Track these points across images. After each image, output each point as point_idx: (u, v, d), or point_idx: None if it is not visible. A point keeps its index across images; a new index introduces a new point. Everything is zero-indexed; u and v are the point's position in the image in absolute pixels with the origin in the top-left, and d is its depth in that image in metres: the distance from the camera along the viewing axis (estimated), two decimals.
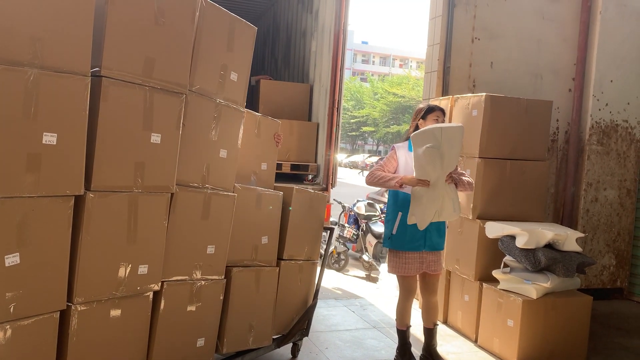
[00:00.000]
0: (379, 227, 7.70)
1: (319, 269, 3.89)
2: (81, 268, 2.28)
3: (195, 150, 2.78)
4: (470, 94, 4.44)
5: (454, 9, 5.10)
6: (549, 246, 3.91)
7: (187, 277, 2.80)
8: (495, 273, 4.00)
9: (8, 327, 2.05)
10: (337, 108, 5.71)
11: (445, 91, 5.11)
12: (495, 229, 4.03)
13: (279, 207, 3.40)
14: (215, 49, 2.86)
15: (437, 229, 3.57)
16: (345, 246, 7.96)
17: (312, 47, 6.54)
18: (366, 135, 49.69)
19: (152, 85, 2.45)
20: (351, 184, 23.26)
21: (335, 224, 8.25)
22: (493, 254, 4.14)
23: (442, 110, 3.66)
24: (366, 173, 4.86)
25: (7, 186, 1.98)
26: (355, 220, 8.31)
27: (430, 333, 3.69)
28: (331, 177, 5.76)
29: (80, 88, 2.16)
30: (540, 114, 4.36)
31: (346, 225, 8.24)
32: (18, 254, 2.05)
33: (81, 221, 2.26)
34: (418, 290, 3.77)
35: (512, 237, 3.90)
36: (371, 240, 7.65)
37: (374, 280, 6.84)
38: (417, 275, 3.67)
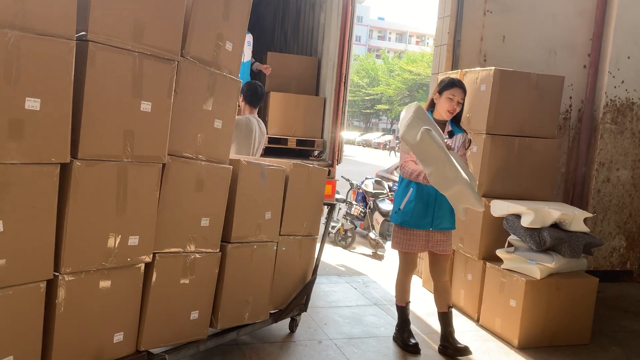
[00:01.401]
0: (386, 205, 7.63)
1: (319, 244, 3.83)
2: (68, 237, 2.23)
3: (189, 119, 2.70)
4: (479, 68, 4.30)
5: None
6: (556, 226, 3.81)
7: (180, 249, 2.75)
8: (499, 252, 3.92)
9: None
10: (344, 83, 5.60)
11: (455, 65, 4.97)
12: (500, 208, 3.93)
13: (282, 181, 3.34)
14: (212, 17, 2.76)
15: (448, 208, 3.45)
16: (353, 224, 7.92)
17: (320, 20, 6.40)
18: (380, 113, 49.31)
19: (141, 50, 2.37)
20: (363, 162, 23.17)
21: (343, 201, 8.19)
22: (498, 233, 4.05)
23: (462, 87, 3.45)
24: (396, 155, 4.69)
25: None
26: (364, 198, 8.25)
27: (445, 318, 3.53)
28: (337, 153, 5.67)
29: (65, 52, 2.08)
30: (551, 90, 4.22)
31: (354, 202, 8.19)
32: (1, 221, 2.01)
33: (68, 190, 2.20)
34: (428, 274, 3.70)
35: (518, 216, 3.80)
36: (378, 218, 7.59)
37: (380, 258, 6.80)
38: (426, 256, 3.60)
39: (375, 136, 43.43)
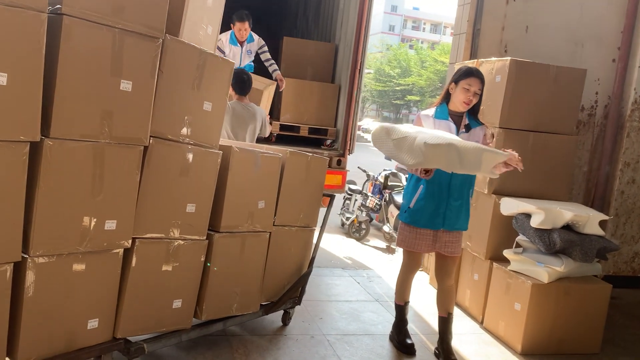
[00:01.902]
0: (401, 198, 7.46)
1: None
2: (38, 219, 2.16)
3: (175, 100, 2.60)
4: (494, 58, 4.09)
5: None
6: (568, 228, 3.59)
7: (162, 235, 2.66)
8: (507, 253, 3.73)
9: None
10: (360, 70, 5.45)
11: (473, 55, 4.75)
12: (510, 206, 3.74)
13: (278, 170, 3.22)
14: (199, 4, 2.69)
15: (460, 207, 3.23)
16: (369, 216, 7.77)
17: (340, 5, 6.24)
18: (411, 104, 48.68)
19: (122, 27, 2.26)
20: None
21: (359, 192, 8.05)
22: (507, 233, 3.86)
23: (479, 77, 3.17)
24: None
25: None
26: (380, 190, 8.07)
27: (444, 323, 3.34)
28: (349, 142, 5.53)
29: (36, 25, 1.99)
30: (571, 83, 3.98)
31: (369, 194, 8.02)
32: None
33: (39, 169, 2.13)
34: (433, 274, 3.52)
35: (528, 216, 3.60)
36: (393, 211, 7.42)
37: (393, 251, 6.64)
38: (433, 257, 3.41)
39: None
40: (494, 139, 3.39)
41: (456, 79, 3.22)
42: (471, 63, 4.32)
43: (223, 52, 5.13)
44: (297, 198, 3.38)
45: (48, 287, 2.25)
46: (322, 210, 3.69)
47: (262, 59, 5.46)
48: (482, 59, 4.28)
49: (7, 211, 2.06)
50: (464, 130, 3.23)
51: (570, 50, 4.97)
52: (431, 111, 3.27)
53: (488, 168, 2.89)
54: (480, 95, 3.23)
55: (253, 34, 5.29)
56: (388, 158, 3.30)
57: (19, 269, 2.16)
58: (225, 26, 5.06)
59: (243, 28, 5.09)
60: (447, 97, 3.29)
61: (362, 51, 5.35)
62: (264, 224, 3.16)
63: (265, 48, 5.42)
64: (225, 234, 2.94)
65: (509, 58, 3.85)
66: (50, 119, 2.12)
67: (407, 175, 8.37)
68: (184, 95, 2.63)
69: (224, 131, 4.20)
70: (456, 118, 3.24)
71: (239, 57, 5.27)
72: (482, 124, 3.31)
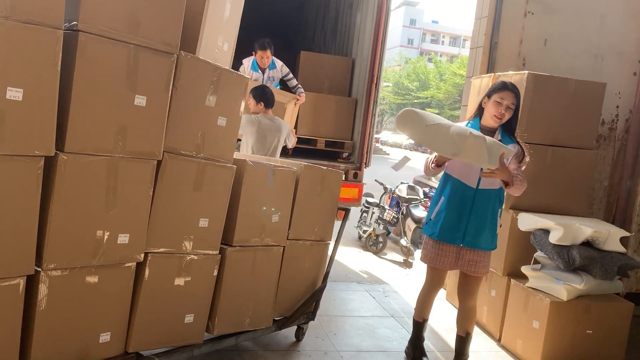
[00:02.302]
0: (419, 212, 7.39)
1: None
2: (52, 232, 2.18)
3: (189, 116, 2.61)
4: (511, 72, 4.05)
5: None
6: (588, 244, 3.52)
7: (175, 249, 2.66)
8: (525, 269, 3.66)
9: None
10: (376, 84, 5.45)
11: (490, 69, 4.71)
12: (528, 222, 3.67)
13: (293, 183, 3.21)
14: (218, 19, 2.72)
15: (482, 224, 3.09)
16: (386, 229, 7.71)
17: (356, 20, 6.26)
18: None
19: (136, 43, 2.29)
20: (407, 166, 22.74)
21: (377, 205, 8.00)
22: (525, 249, 3.79)
23: (514, 91, 3.04)
24: None
25: None
26: (397, 203, 8.02)
27: (461, 343, 3.26)
28: (366, 156, 5.51)
29: (51, 41, 2.02)
30: (590, 97, 3.92)
31: (387, 207, 7.97)
32: None
33: (53, 183, 2.15)
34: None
35: (546, 232, 3.54)
36: (410, 225, 7.36)
37: (410, 265, 6.58)
38: (456, 273, 3.33)
39: None
40: (525, 158, 3.20)
41: (489, 93, 3.11)
42: (488, 77, 4.29)
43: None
44: (311, 212, 3.36)
45: (61, 301, 2.26)
46: (338, 224, 3.67)
47: (290, 85, 5.48)
48: (499, 73, 4.24)
49: (21, 224, 2.08)
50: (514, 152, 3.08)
51: (590, 63, 4.90)
52: (462, 125, 3.20)
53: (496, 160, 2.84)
54: (516, 111, 3.09)
55: (276, 60, 5.33)
56: (418, 145, 3.16)
57: (32, 282, 2.17)
58: (248, 52, 5.16)
59: (265, 56, 5.17)
60: (479, 112, 3.19)
61: (378, 65, 5.35)
62: (277, 238, 3.15)
63: (291, 75, 5.46)
64: (238, 248, 2.93)
65: (527, 72, 3.81)
66: (64, 134, 2.15)
67: (424, 189, 8.34)
68: (198, 110, 2.65)
69: (249, 143, 4.31)
70: (487, 134, 3.07)
71: (261, 82, 5.31)
72: (516, 142, 3.14)
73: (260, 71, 5.29)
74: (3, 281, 2.07)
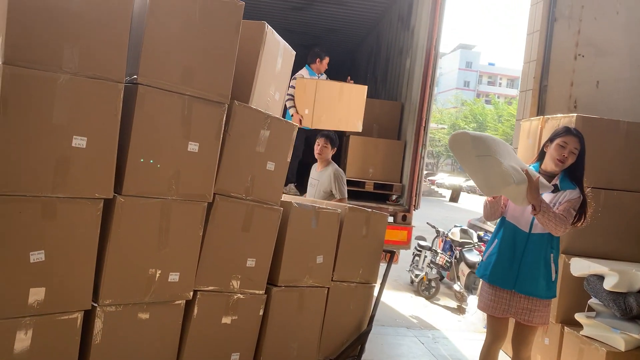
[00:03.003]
0: (473, 256, 7.26)
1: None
2: (108, 270, 2.33)
3: (240, 160, 2.75)
4: (560, 115, 4.02)
5: (554, 24, 4.69)
6: None
7: (223, 288, 2.76)
8: (579, 317, 3.54)
9: (30, 321, 2.13)
10: (425, 127, 5.50)
11: (541, 111, 4.70)
12: (581, 266, 3.57)
13: (337, 225, 3.28)
14: (270, 71, 2.91)
15: (536, 269, 3.01)
16: (440, 274, 7.59)
17: (406, 65, 6.39)
18: None
19: (191, 94, 2.47)
20: (464, 208, 22.38)
21: (429, 249, 7.91)
22: (579, 295, 3.68)
23: (577, 136, 3.02)
24: None
25: (34, 185, 2.07)
26: (450, 246, 7.90)
27: None
28: (414, 198, 5.52)
29: (113, 94, 2.22)
30: None
31: (439, 251, 7.86)
32: (43, 251, 2.14)
33: (110, 224, 2.31)
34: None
35: (600, 278, 3.43)
36: (464, 269, 7.22)
37: (463, 312, 6.43)
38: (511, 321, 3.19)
39: None
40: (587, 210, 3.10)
41: (552, 137, 3.09)
42: (537, 119, 4.27)
43: None
44: (356, 253, 3.40)
45: (114, 335, 2.38)
46: (384, 266, 3.69)
47: None
48: (548, 115, 4.22)
49: (81, 262, 2.24)
50: (548, 191, 3.06)
51: None
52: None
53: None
54: (580, 157, 3.06)
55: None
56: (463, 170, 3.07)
57: (88, 317, 2.32)
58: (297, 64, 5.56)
59: (326, 62, 5.87)
60: (541, 157, 3.18)
61: (427, 109, 5.41)
62: (322, 279, 3.20)
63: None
64: (283, 288, 3.00)
65: (575, 114, 3.78)
66: (123, 178, 2.32)
67: (479, 232, 8.19)
68: (248, 155, 2.79)
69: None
70: (547, 179, 3.06)
71: None
72: (576, 187, 3.07)
73: (316, 75, 5.88)
74: (62, 315, 2.22)
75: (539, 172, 3.08)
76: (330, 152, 4.64)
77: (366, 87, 5.61)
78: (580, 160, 3.05)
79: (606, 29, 4.74)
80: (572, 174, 3.07)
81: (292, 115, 5.56)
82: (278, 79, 3.09)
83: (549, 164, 3.08)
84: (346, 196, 4.60)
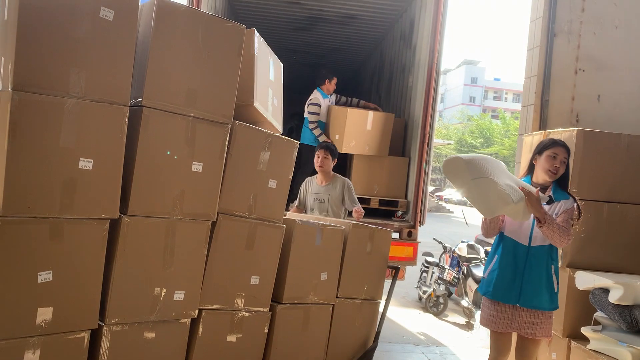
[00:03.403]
0: (480, 271, 7.22)
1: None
2: (114, 289, 2.36)
3: (242, 179, 2.80)
4: (561, 129, 4.05)
5: (554, 39, 4.74)
6: None
7: (228, 306, 2.79)
8: (585, 330, 3.52)
9: (38, 341, 2.16)
10: (428, 143, 5.54)
11: (543, 126, 4.73)
12: (586, 280, 3.57)
13: (341, 242, 3.31)
14: (264, 75, 2.99)
15: (539, 282, 3.05)
16: (448, 290, 7.56)
17: (409, 83, 6.45)
18: None
19: (194, 115, 2.52)
20: (472, 224, 22.23)
21: (436, 265, 7.89)
22: (584, 308, 3.66)
23: (564, 146, 3.10)
24: None
25: (42, 207, 2.12)
26: (458, 262, 7.88)
27: None
28: (420, 214, 5.53)
29: (119, 117, 2.28)
30: None
31: (446, 267, 7.84)
32: (51, 271, 2.18)
33: (116, 243, 2.35)
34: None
35: (606, 291, 3.42)
36: (472, 285, 7.19)
37: (471, 328, 6.39)
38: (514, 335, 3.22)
39: None
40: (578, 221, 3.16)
41: (539, 150, 3.16)
42: (539, 134, 4.30)
43: (320, 106, 5.98)
44: (360, 270, 3.42)
45: (121, 354, 2.41)
46: (389, 282, 3.70)
47: (342, 104, 6.28)
48: (549, 130, 4.25)
49: (87, 282, 2.28)
50: (544, 203, 3.09)
51: None
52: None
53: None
54: (568, 165, 3.13)
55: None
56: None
57: (95, 336, 2.35)
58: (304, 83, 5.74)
59: (335, 82, 6.04)
60: (530, 170, 3.24)
61: (429, 125, 5.46)
62: (327, 296, 3.22)
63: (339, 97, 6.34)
64: (288, 306, 3.02)
65: (576, 128, 3.81)
66: (128, 198, 2.37)
67: (486, 248, 8.17)
68: (250, 174, 2.83)
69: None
70: (540, 191, 3.09)
71: (328, 107, 6.11)
72: (570, 197, 3.14)
73: (328, 96, 6.08)
74: (70, 334, 2.25)
75: (532, 185, 3.12)
76: (331, 164, 4.59)
77: (393, 114, 5.92)
78: (567, 169, 3.13)
79: (606, 43, 4.78)
80: (562, 182, 3.14)
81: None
82: (273, 86, 3.15)
83: (541, 176, 3.14)
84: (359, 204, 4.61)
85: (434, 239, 8.48)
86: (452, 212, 30.18)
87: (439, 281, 7.62)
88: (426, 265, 8.00)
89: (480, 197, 2.87)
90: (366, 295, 3.49)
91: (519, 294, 3.07)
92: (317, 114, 5.97)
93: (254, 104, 2.83)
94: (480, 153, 36.88)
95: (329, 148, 4.60)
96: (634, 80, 4.81)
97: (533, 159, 3.20)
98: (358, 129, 5.70)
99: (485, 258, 7.53)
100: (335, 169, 4.75)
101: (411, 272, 7.44)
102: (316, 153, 4.62)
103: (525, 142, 4.55)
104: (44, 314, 2.18)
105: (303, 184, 4.80)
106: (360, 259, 3.42)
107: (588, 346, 3.47)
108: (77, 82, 2.16)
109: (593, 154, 3.77)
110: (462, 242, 8.17)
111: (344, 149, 5.64)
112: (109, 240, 2.33)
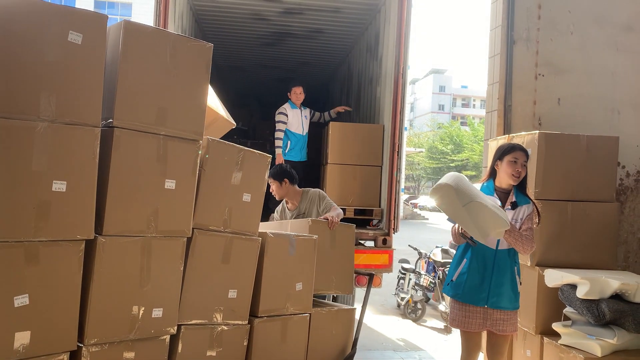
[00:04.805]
0: None
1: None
2: (92, 310, 2.37)
3: (216, 194, 2.84)
4: (524, 133, 4.20)
5: (514, 46, 4.90)
6: (617, 297, 3.49)
7: (206, 321, 2.81)
8: (556, 326, 3.64)
9: None
10: (398, 152, 5.64)
11: (507, 130, 4.87)
12: (554, 277, 3.68)
13: (314, 251, 3.36)
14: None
15: (504, 283, 3.20)
16: (425, 295, 7.66)
17: (377, 93, 6.57)
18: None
19: (165, 133, 2.56)
20: (447, 230, 22.50)
21: (413, 271, 7.99)
22: (555, 305, 3.77)
23: (523, 150, 3.27)
24: None
25: (16, 231, 2.13)
26: (434, 267, 8.00)
27: None
28: (393, 222, 5.61)
29: (90, 138, 2.30)
30: (604, 151, 4.00)
31: (423, 273, 7.95)
32: (27, 294, 2.18)
33: (93, 264, 2.36)
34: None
35: (573, 287, 3.54)
36: None
37: (450, 331, 6.49)
38: (484, 333, 3.34)
39: None
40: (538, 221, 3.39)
41: (500, 156, 3.30)
42: (504, 138, 4.44)
43: (287, 115, 6.06)
44: (326, 264, 3.50)
45: None
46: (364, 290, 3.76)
47: (316, 119, 6.53)
48: (513, 134, 4.39)
49: (65, 304, 2.29)
50: (509, 207, 3.27)
51: (607, 117, 5.00)
52: (477, 187, 3.34)
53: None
54: (526, 168, 3.29)
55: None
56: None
57: (74, 358, 2.35)
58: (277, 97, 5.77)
59: (299, 92, 6.11)
60: (492, 175, 3.38)
61: (398, 134, 5.57)
62: (303, 306, 3.26)
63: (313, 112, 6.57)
64: (265, 319, 3.05)
65: (537, 132, 3.95)
66: (102, 219, 2.39)
67: None
68: (224, 188, 2.87)
69: None
70: (502, 195, 3.31)
71: (300, 119, 6.16)
72: (530, 200, 3.34)
73: (297, 108, 6.13)
74: (49, 357, 2.25)
75: (495, 189, 3.31)
76: (285, 186, 4.23)
77: (382, 125, 6.00)
78: (526, 172, 3.31)
79: (562, 48, 4.96)
80: (521, 186, 3.33)
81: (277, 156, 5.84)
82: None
83: (505, 180, 3.30)
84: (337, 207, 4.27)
85: (409, 245, 8.59)
86: (427, 219, 30.49)
87: (416, 287, 7.71)
88: (403, 272, 8.10)
89: (473, 222, 2.99)
90: (336, 287, 3.58)
91: (487, 296, 3.21)
92: (284, 122, 6.08)
93: (208, 104, 2.87)
94: (452, 159, 37.23)
95: (271, 176, 4.20)
96: (590, 82, 5.00)
97: (494, 164, 3.35)
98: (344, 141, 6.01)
99: None
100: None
101: (388, 280, 7.52)
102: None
103: (491, 147, 4.68)
104: (22, 338, 2.18)
105: (275, 214, 4.53)
106: (324, 253, 3.50)
107: (559, 341, 3.58)
108: (48, 106, 2.19)
109: (555, 156, 3.91)
110: (437, 247, 8.30)
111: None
112: (85, 260, 2.34)
